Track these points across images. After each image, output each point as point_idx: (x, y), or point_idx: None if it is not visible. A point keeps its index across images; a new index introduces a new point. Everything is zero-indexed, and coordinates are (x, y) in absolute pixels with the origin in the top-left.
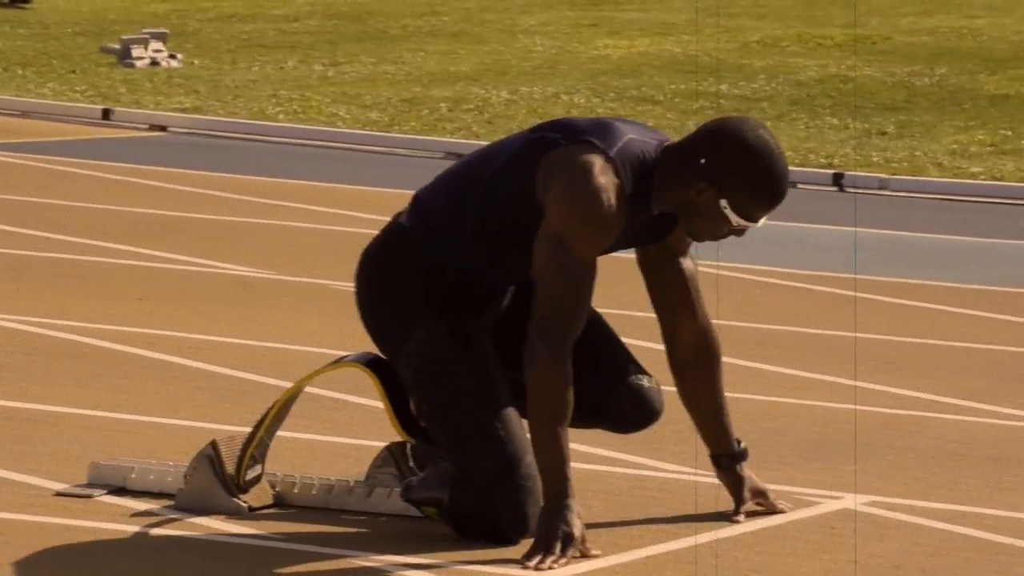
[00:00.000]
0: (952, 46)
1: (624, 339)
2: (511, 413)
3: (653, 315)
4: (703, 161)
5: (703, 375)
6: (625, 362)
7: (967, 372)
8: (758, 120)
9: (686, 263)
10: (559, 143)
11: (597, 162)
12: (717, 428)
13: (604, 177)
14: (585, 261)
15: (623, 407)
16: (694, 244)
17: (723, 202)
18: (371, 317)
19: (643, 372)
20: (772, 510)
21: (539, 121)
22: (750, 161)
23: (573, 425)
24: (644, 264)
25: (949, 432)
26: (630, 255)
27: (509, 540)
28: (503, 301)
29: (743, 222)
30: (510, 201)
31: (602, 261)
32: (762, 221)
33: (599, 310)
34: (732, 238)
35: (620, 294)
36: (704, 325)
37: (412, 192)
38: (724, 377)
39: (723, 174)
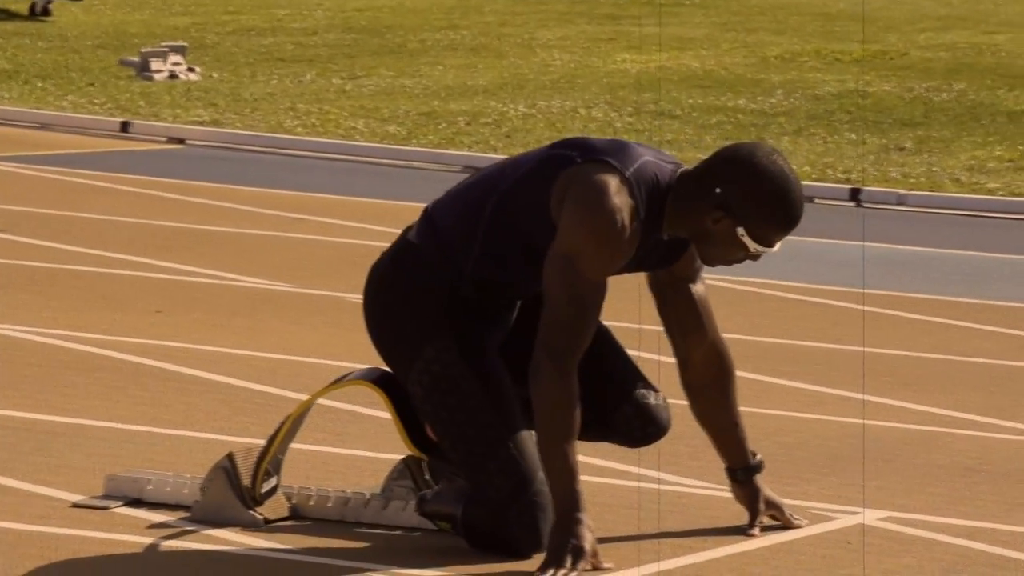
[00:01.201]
0: (970, 62)
1: (633, 352)
2: (523, 431)
3: (662, 328)
4: (718, 191)
5: (718, 394)
6: (633, 378)
7: (984, 388)
8: (773, 144)
9: (696, 287)
10: (575, 161)
11: (613, 182)
12: (732, 443)
13: (619, 197)
14: (595, 281)
15: (631, 424)
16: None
17: (740, 230)
18: (380, 334)
19: (650, 388)
20: (787, 524)
21: (557, 135)
22: (766, 189)
23: (582, 439)
24: (655, 288)
25: (966, 448)
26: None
27: (522, 555)
28: (512, 315)
29: (760, 248)
30: (523, 217)
31: (614, 279)
32: (778, 246)
33: (608, 323)
34: (747, 262)
35: (629, 309)
36: (716, 345)
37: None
38: (738, 393)
39: (739, 202)
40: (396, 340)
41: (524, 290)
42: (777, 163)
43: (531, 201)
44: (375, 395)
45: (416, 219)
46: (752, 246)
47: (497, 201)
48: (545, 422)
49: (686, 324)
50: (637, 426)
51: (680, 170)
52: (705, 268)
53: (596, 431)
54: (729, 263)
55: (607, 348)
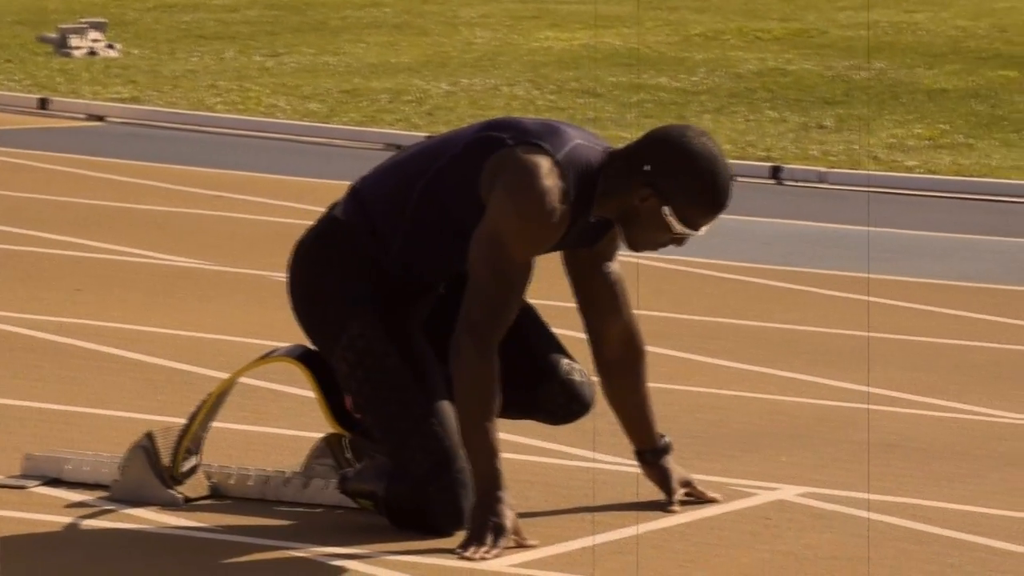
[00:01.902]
0: (890, 40)
1: (558, 330)
2: (447, 408)
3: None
4: (647, 168)
5: (629, 373)
6: (557, 355)
7: (904, 365)
8: (700, 126)
9: (613, 267)
10: (506, 143)
11: (543, 165)
12: (642, 424)
13: (549, 181)
14: (521, 262)
15: (555, 400)
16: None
17: (666, 209)
18: (304, 310)
19: (575, 365)
20: (702, 498)
21: (479, 113)
22: (694, 168)
23: (505, 417)
24: (571, 267)
25: (885, 424)
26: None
27: (444, 533)
28: (436, 294)
29: (685, 230)
30: (452, 197)
31: (544, 258)
32: (703, 230)
33: (533, 302)
34: (671, 247)
35: (556, 288)
36: (629, 324)
37: (350, 183)
38: (649, 374)
39: (667, 181)
40: (321, 316)
41: (450, 269)
42: (707, 145)
43: (461, 182)
44: (298, 372)
45: (341, 197)
46: (677, 227)
47: (427, 181)
48: (465, 400)
49: (602, 303)
50: (562, 403)
51: (609, 150)
52: (623, 248)
53: (519, 409)
54: (655, 247)
55: (531, 325)
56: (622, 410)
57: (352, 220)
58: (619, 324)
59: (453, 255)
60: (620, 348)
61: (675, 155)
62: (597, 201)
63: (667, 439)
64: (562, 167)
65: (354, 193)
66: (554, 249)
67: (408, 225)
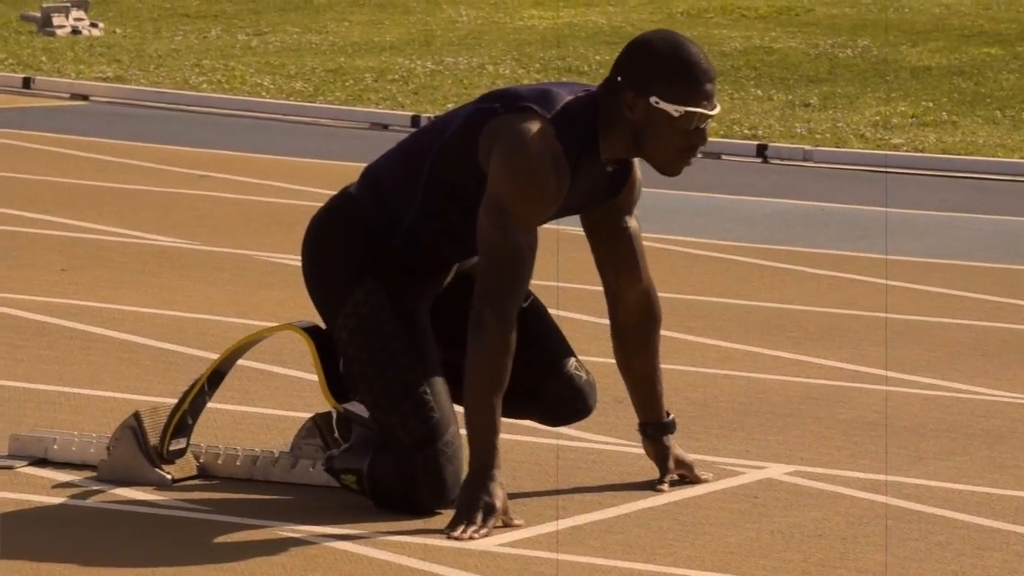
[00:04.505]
0: (874, 18)
1: (553, 311)
2: (440, 382)
3: (589, 287)
4: (619, 79)
5: (642, 338)
6: (566, 354)
7: (890, 343)
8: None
9: (631, 222)
10: (498, 112)
11: (535, 127)
12: (649, 395)
13: (541, 139)
14: (527, 226)
15: (560, 395)
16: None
17: (653, 99)
18: (312, 279)
19: (582, 367)
20: (695, 481)
21: (464, 92)
22: (656, 49)
23: (504, 413)
24: (590, 223)
25: (870, 402)
26: (572, 228)
27: (425, 506)
28: (446, 277)
29: (687, 109)
30: (457, 172)
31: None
32: (709, 106)
33: (544, 299)
34: (699, 141)
35: (555, 267)
36: (648, 289)
37: (335, 162)
38: (660, 345)
39: (638, 74)
40: (327, 284)
41: (462, 244)
42: (663, 30)
43: (462, 156)
44: (290, 351)
45: (337, 177)
46: (677, 112)
47: (432, 159)
48: (479, 370)
49: (621, 261)
50: (566, 399)
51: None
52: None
53: (520, 403)
54: (680, 154)
55: (542, 324)
56: (630, 377)
57: (364, 196)
58: (638, 287)
59: (463, 229)
60: (637, 313)
61: (635, 51)
62: (603, 146)
63: (672, 417)
64: (556, 125)
65: (366, 173)
66: (573, 210)
67: (418, 203)
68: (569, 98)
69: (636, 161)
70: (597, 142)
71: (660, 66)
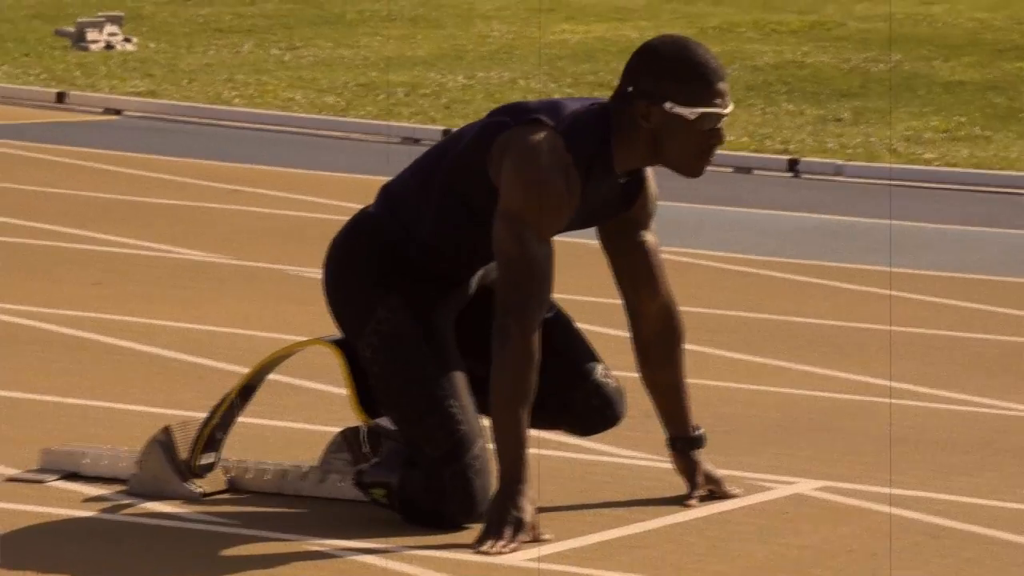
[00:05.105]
0: (907, 32)
1: (584, 325)
2: (467, 395)
3: (609, 301)
4: (630, 88)
5: (664, 352)
6: (594, 361)
7: (921, 358)
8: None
9: (649, 236)
10: (508, 125)
11: (544, 138)
12: (675, 409)
13: (552, 152)
14: (542, 236)
15: (590, 403)
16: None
17: (667, 105)
18: (335, 298)
19: (610, 374)
20: (725, 497)
21: (495, 106)
22: (662, 54)
23: (534, 425)
24: (606, 238)
25: (901, 418)
26: (589, 241)
27: (454, 521)
28: (467, 291)
29: (702, 110)
30: (469, 187)
31: (563, 247)
32: (722, 104)
33: (569, 313)
34: (717, 141)
35: (580, 281)
36: (668, 303)
37: (366, 177)
38: (686, 359)
39: (649, 81)
40: (350, 303)
41: (477, 259)
42: (669, 34)
43: (474, 170)
44: (319, 365)
45: (359, 191)
46: (692, 114)
47: (445, 174)
48: (505, 383)
49: (639, 275)
50: (596, 406)
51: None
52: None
53: (550, 414)
54: (699, 156)
55: (568, 335)
56: (656, 393)
57: (382, 214)
58: (657, 300)
59: (478, 243)
60: (658, 326)
61: (643, 58)
62: (617, 157)
63: (702, 431)
64: (566, 135)
65: (384, 192)
66: (587, 224)
67: (434, 216)
68: (578, 109)
69: (651, 174)
70: (608, 152)
71: (670, 71)
